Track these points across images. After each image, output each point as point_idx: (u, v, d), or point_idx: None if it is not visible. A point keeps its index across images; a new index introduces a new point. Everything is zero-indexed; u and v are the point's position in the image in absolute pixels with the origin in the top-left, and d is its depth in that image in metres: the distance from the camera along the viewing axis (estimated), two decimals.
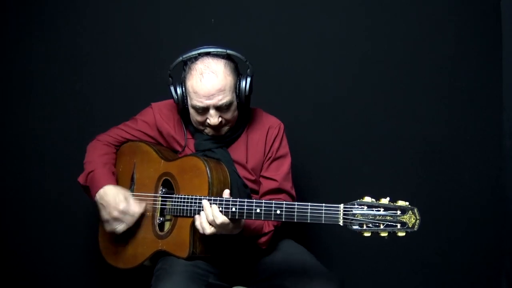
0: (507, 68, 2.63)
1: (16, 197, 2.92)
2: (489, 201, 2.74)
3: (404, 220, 1.69)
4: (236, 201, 1.91)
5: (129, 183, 2.21)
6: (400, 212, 1.69)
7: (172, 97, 2.15)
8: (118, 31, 2.85)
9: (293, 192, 2.26)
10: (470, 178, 2.77)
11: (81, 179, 2.19)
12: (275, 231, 2.16)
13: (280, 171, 2.23)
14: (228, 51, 2.09)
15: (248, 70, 2.13)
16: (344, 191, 2.73)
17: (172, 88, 2.13)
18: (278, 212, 1.85)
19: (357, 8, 2.80)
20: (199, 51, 2.08)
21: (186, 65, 2.10)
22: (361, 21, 2.80)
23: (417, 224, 1.69)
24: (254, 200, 1.90)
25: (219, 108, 2.06)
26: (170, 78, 2.14)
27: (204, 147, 2.17)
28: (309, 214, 1.80)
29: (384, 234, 1.70)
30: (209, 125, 2.10)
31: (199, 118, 2.11)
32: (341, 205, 1.76)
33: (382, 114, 2.80)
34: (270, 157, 2.24)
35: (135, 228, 2.14)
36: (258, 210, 1.88)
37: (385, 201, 1.72)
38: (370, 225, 1.70)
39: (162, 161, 2.16)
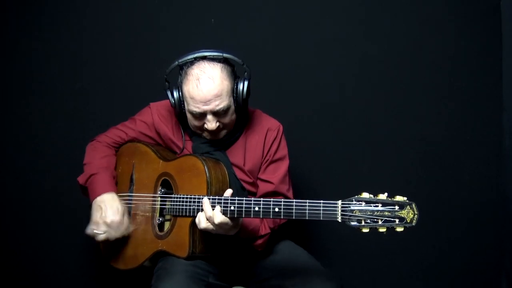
0: (507, 68, 2.62)
1: (16, 197, 2.92)
2: (489, 201, 2.73)
3: (402, 215, 1.68)
4: (234, 200, 1.90)
5: (128, 184, 2.21)
6: (398, 207, 1.69)
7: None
8: (118, 31, 2.86)
9: (289, 194, 2.24)
10: (470, 178, 2.76)
11: (81, 179, 2.19)
12: (271, 233, 2.16)
13: (277, 174, 2.21)
14: (225, 55, 2.06)
15: (245, 73, 2.10)
16: (344, 191, 2.68)
17: (169, 93, 2.10)
18: (277, 209, 1.84)
19: (357, 8, 2.80)
20: (195, 55, 2.05)
21: (182, 69, 2.07)
22: (361, 21, 2.80)
23: (415, 219, 1.68)
24: (253, 198, 1.89)
25: (216, 113, 2.04)
26: (166, 83, 2.11)
27: (202, 150, 2.16)
28: (307, 211, 1.80)
29: (382, 230, 1.69)
30: (207, 130, 2.08)
31: (196, 123, 2.09)
32: (339, 202, 1.76)
33: (382, 114, 2.80)
34: (267, 160, 2.22)
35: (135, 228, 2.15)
36: (256, 208, 1.87)
37: (383, 196, 1.71)
38: (369, 221, 1.70)
39: (161, 161, 2.15)
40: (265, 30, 2.83)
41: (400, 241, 2.73)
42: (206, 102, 2.00)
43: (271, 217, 1.87)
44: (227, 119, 2.08)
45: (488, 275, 2.74)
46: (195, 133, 2.18)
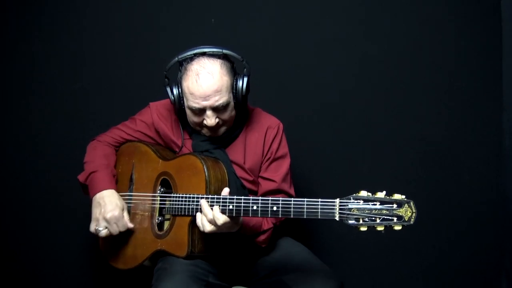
0: (507, 68, 2.62)
1: (16, 197, 2.92)
2: (489, 201, 2.73)
3: (400, 214, 1.67)
4: (233, 199, 1.90)
5: (128, 184, 2.21)
6: (396, 205, 1.68)
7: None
8: (117, 31, 2.86)
9: (291, 191, 2.24)
10: (470, 178, 2.76)
11: (81, 177, 2.19)
12: (274, 228, 2.15)
13: (279, 172, 2.22)
14: (224, 51, 2.07)
15: (245, 69, 2.11)
16: (344, 191, 2.69)
17: (168, 89, 2.11)
18: (275, 208, 1.84)
19: (357, 8, 2.80)
20: (194, 51, 2.06)
21: (182, 65, 2.08)
22: (361, 21, 2.81)
23: (413, 217, 1.68)
24: (251, 197, 1.89)
25: (216, 109, 2.04)
26: (166, 79, 2.12)
27: (201, 148, 2.16)
28: (305, 210, 1.80)
29: (380, 228, 1.69)
30: (206, 126, 2.08)
31: (195, 119, 2.09)
32: (337, 200, 1.75)
33: (382, 114, 2.80)
34: (269, 158, 2.22)
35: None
36: (254, 207, 1.87)
37: (381, 195, 1.70)
38: (366, 219, 1.69)
39: (160, 160, 2.16)
40: (265, 30, 2.83)
41: (400, 241, 2.74)
42: (206, 97, 2.01)
43: (269, 216, 1.86)
44: (226, 115, 2.08)
45: (488, 275, 2.74)
46: (195, 131, 2.18)
